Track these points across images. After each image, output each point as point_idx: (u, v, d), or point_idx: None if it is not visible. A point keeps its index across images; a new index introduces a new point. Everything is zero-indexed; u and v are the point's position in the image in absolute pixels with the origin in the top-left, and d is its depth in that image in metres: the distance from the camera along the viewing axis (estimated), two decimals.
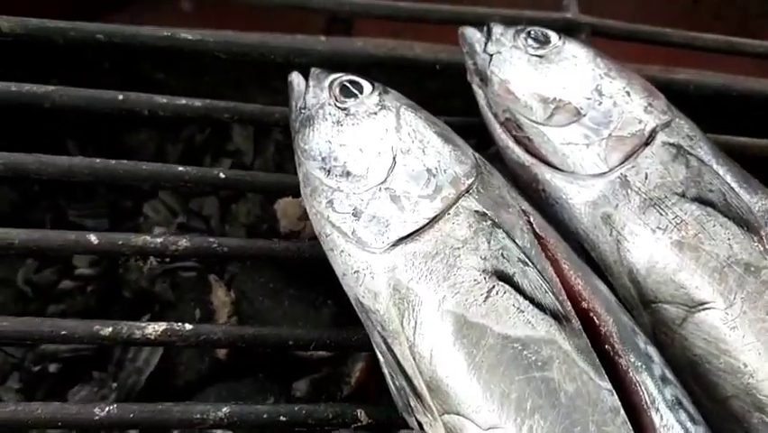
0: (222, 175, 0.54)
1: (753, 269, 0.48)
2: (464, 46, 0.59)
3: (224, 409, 0.46)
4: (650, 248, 0.50)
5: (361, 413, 0.48)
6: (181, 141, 0.80)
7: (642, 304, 0.50)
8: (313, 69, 0.55)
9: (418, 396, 0.45)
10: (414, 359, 0.45)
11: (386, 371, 0.47)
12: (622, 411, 0.41)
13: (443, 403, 0.44)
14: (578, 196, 0.52)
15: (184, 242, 0.51)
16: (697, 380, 0.49)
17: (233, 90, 0.75)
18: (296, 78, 0.54)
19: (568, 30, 0.68)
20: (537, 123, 0.54)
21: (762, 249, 0.49)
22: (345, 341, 0.51)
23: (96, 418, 0.45)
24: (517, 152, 0.55)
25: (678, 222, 0.49)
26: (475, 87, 0.58)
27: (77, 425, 0.45)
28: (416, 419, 0.46)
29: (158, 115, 0.56)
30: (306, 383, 0.66)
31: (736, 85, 0.69)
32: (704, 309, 0.48)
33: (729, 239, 0.49)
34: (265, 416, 0.47)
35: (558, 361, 0.42)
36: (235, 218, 0.78)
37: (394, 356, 0.46)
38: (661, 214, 0.50)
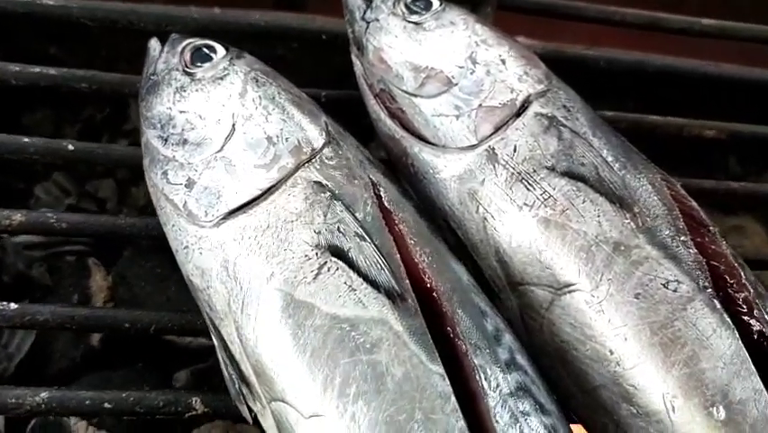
0: (70, 147, 0.50)
1: (622, 248, 0.44)
2: (346, 13, 0.56)
3: (43, 395, 0.43)
4: (516, 226, 0.46)
5: (196, 402, 0.45)
6: (80, 121, 0.77)
7: (509, 286, 0.46)
8: (172, 35, 0.51)
9: (247, 382, 0.41)
10: (241, 342, 0.41)
11: (219, 357, 0.44)
12: (453, 398, 0.38)
13: (269, 390, 0.40)
14: (445, 170, 0.48)
15: (18, 216, 0.47)
16: (565, 367, 0.45)
17: (128, 65, 0.71)
18: (153, 44, 0.51)
19: (473, 3, 0.64)
20: (409, 93, 0.50)
21: (633, 227, 0.45)
22: (190, 324, 0.47)
23: None
24: (388, 125, 0.51)
25: (545, 198, 0.46)
26: (353, 58, 0.55)
27: None
28: (248, 407, 0.43)
29: (10, 83, 0.52)
30: (187, 374, 0.63)
31: (652, 62, 0.66)
32: (570, 292, 0.44)
33: (599, 216, 0.45)
34: (87, 402, 0.43)
35: (388, 343, 0.39)
36: (135, 201, 0.75)
37: (222, 340, 0.42)
38: (528, 189, 0.46)
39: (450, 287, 0.42)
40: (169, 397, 0.44)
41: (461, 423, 0.37)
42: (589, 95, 0.51)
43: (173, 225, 0.44)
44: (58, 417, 0.48)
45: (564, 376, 0.45)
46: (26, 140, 0.50)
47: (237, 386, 0.42)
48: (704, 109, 0.67)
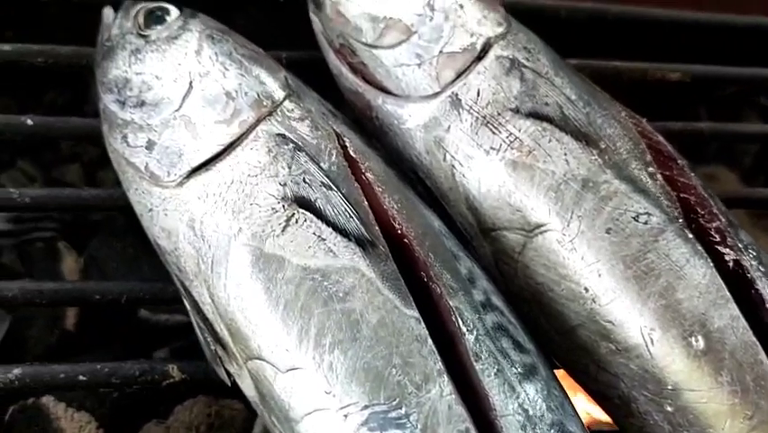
0: (29, 122, 0.49)
1: (591, 184, 0.44)
2: None
3: (15, 371, 0.42)
4: (484, 171, 0.45)
5: (173, 369, 0.44)
6: (42, 105, 0.75)
7: (481, 233, 0.46)
8: (126, 2, 0.50)
9: (222, 344, 0.41)
10: (213, 302, 0.40)
11: (194, 321, 0.43)
12: (429, 340, 0.37)
13: (244, 348, 0.39)
14: (410, 120, 0.47)
15: None
16: (542, 310, 0.45)
17: (87, 43, 0.70)
18: (106, 12, 0.50)
19: None
20: (369, 45, 0.49)
21: (601, 162, 0.45)
22: (162, 291, 0.47)
23: None
24: (350, 80, 0.50)
25: (512, 140, 0.45)
26: (312, 15, 0.54)
27: None
28: (225, 370, 0.42)
29: None
30: (166, 353, 0.62)
31: (611, 9, 0.65)
32: (541, 233, 0.44)
33: (566, 154, 0.45)
34: (62, 376, 0.42)
35: (361, 290, 0.38)
36: (102, 184, 0.73)
37: (194, 302, 0.41)
38: (494, 133, 0.45)
39: (421, 232, 0.41)
40: (144, 366, 0.43)
41: (440, 365, 0.37)
42: (551, 45, 0.51)
43: (136, 189, 0.43)
44: (33, 397, 0.47)
45: (542, 320, 0.45)
46: None
47: (213, 349, 0.42)
48: (667, 55, 0.67)
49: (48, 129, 0.50)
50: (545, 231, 0.44)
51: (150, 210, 0.42)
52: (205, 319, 0.41)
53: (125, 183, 0.44)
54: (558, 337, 0.45)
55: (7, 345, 0.62)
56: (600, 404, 0.46)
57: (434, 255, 0.40)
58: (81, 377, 0.42)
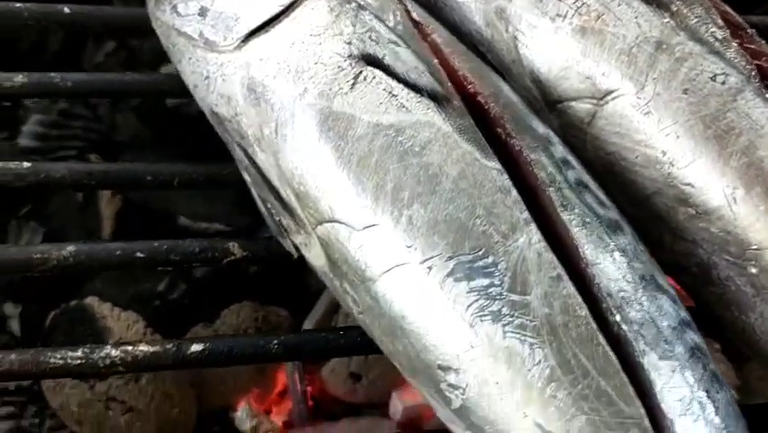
0: (66, 10, 0.47)
1: (665, 46, 0.42)
2: None
3: (69, 248, 0.40)
4: (550, 39, 0.43)
5: (233, 246, 0.42)
6: None
7: (547, 107, 0.44)
8: None
9: (289, 211, 0.39)
10: (279, 167, 0.38)
11: (254, 192, 0.41)
12: (514, 190, 0.36)
13: (314, 212, 0.38)
14: None
15: (20, 78, 0.44)
16: (614, 181, 0.43)
17: None
18: None
19: None
20: None
21: (673, 25, 0.43)
22: (215, 173, 0.45)
23: None
24: None
25: (578, 6, 0.43)
26: None
27: None
28: (292, 241, 0.40)
29: None
30: None
31: None
32: (613, 99, 0.42)
33: (636, 18, 0.43)
34: (118, 253, 0.40)
35: (438, 144, 0.36)
36: (124, 108, 0.71)
37: (257, 168, 0.40)
38: None
39: (493, 92, 0.39)
40: (204, 243, 0.42)
41: (526, 214, 0.35)
42: None
43: (189, 59, 0.41)
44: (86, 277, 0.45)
45: (614, 191, 0.43)
46: (19, 5, 0.46)
47: (277, 220, 0.40)
48: None
49: (85, 17, 0.48)
50: (617, 97, 0.42)
51: (207, 78, 0.40)
52: (271, 187, 0.39)
53: (176, 55, 0.42)
54: (631, 209, 0.43)
55: None
56: (675, 278, 0.44)
57: (509, 114, 0.39)
58: (139, 254, 0.40)
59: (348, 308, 0.39)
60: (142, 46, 0.71)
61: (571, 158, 0.39)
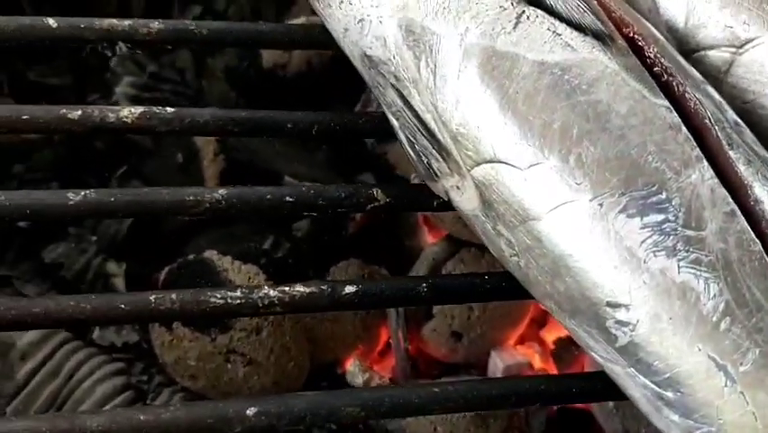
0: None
1: None
2: None
3: (221, 192, 0.40)
4: None
5: (377, 192, 0.42)
6: None
7: (682, 55, 0.44)
8: None
9: (444, 153, 0.39)
10: (436, 109, 0.39)
11: (403, 136, 0.41)
12: (684, 128, 0.36)
13: (473, 153, 0.38)
14: None
15: (156, 24, 0.44)
16: (752, 130, 0.43)
17: None
18: None
19: None
20: None
21: None
22: (353, 123, 0.45)
23: (71, 203, 0.38)
24: None
25: None
26: None
27: (48, 214, 0.39)
28: (442, 186, 0.40)
29: None
30: (308, 223, 0.60)
31: None
32: (753, 47, 0.42)
33: None
34: (269, 197, 0.40)
35: (606, 82, 0.36)
36: (212, 70, 0.72)
37: (413, 111, 0.40)
38: None
39: (651, 33, 0.40)
40: (349, 189, 0.42)
41: (697, 151, 0.35)
42: None
43: (340, 3, 0.41)
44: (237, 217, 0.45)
45: None
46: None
47: (427, 163, 0.40)
48: None
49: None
50: (758, 44, 0.42)
51: (361, 20, 0.40)
52: (426, 128, 0.39)
53: (323, 1, 0.42)
54: None
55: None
56: None
57: (668, 56, 0.39)
58: (288, 198, 0.40)
59: (498, 251, 0.39)
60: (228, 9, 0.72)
61: (725, 104, 0.39)
